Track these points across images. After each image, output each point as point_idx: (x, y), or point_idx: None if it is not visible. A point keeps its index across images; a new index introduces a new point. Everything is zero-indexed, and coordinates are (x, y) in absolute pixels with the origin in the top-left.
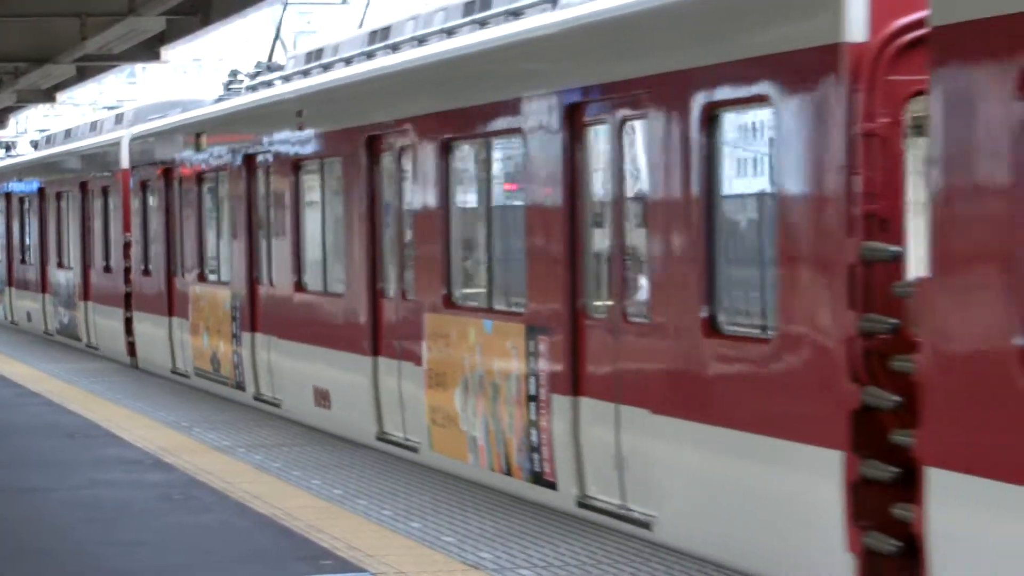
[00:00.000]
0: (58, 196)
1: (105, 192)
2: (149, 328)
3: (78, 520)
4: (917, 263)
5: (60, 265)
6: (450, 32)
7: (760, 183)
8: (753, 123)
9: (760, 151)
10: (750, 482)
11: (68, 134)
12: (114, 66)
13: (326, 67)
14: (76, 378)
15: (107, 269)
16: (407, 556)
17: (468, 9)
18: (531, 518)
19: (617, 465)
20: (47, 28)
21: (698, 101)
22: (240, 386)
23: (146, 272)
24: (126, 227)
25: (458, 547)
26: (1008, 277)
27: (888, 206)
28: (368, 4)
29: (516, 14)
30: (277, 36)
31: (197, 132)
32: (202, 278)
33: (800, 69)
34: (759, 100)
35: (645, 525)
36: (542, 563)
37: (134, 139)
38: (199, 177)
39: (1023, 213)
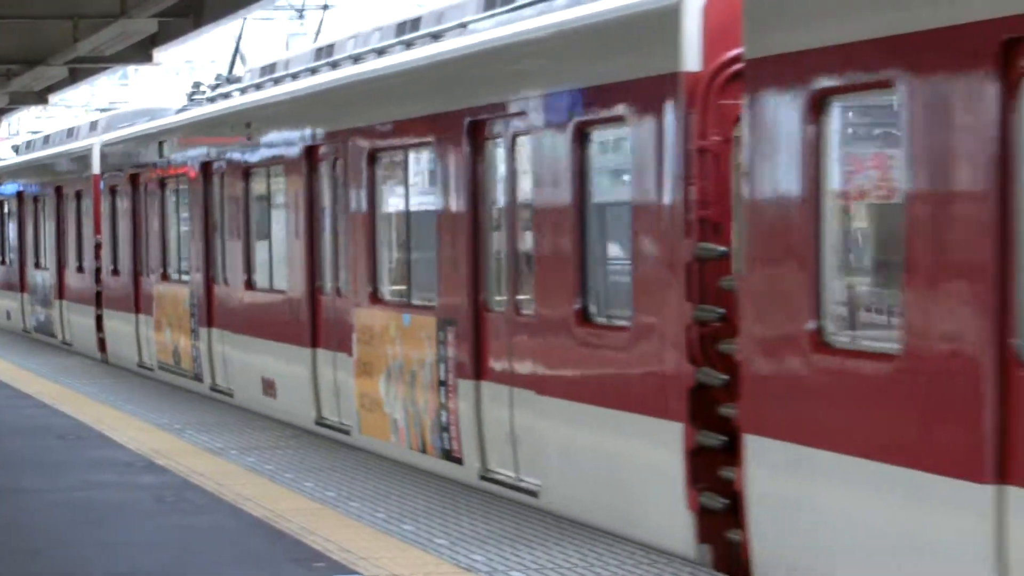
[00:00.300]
0: (35, 200)
1: (78, 196)
2: (118, 325)
3: (70, 522)
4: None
5: (37, 265)
6: (381, 52)
7: (621, 193)
8: (614, 140)
9: (620, 164)
10: (612, 452)
11: (47, 140)
12: (106, 68)
13: (276, 81)
14: (48, 372)
15: (80, 269)
16: (400, 558)
17: (400, 30)
18: (524, 521)
19: (511, 441)
20: (39, 30)
21: (573, 120)
22: (198, 378)
23: (115, 272)
24: (97, 229)
25: (450, 549)
26: (803, 273)
27: (718, 212)
28: (322, 20)
29: (437, 36)
30: (236, 50)
31: (160, 141)
32: (165, 277)
33: (647, 94)
34: (618, 120)
35: (533, 494)
36: (535, 566)
37: (104, 146)
38: (161, 183)
39: (809, 219)
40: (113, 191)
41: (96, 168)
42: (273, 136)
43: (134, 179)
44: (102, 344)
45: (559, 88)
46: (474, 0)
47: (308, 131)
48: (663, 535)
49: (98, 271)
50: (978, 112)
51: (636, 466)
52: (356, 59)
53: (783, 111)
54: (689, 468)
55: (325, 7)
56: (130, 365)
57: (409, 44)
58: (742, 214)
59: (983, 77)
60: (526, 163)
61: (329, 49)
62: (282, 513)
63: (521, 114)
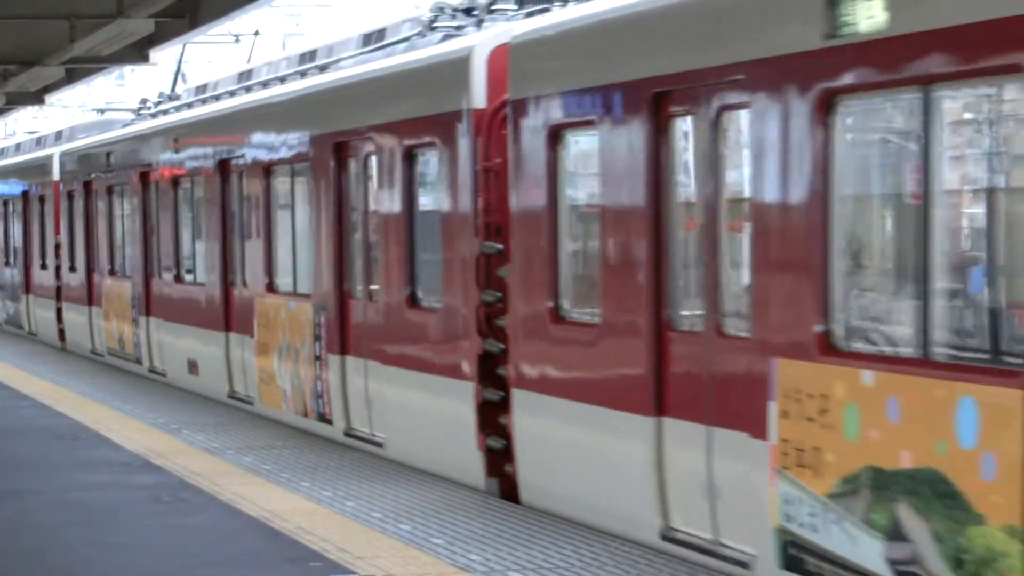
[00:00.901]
0: (4, 203)
1: (42, 200)
2: (74, 316)
3: (67, 522)
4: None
5: (7, 264)
6: (283, 79)
7: (434, 202)
8: (430, 160)
9: (434, 180)
10: (431, 410)
11: (18, 147)
12: (103, 68)
13: (204, 101)
14: (10, 357)
15: (43, 267)
16: (396, 558)
17: (303, 60)
18: (521, 522)
19: (367, 404)
20: (36, 30)
21: (403, 144)
22: (139, 361)
23: (72, 269)
24: (56, 231)
25: (447, 549)
26: (546, 265)
27: (499, 218)
28: (253, 45)
29: (323, 68)
30: (178, 70)
31: (107, 152)
32: (112, 273)
33: (449, 125)
34: (431, 144)
35: (380, 445)
36: (531, 566)
37: (62, 155)
38: (109, 189)
39: (549, 224)
40: (70, 196)
41: (56, 175)
42: (195, 150)
43: (87, 185)
44: (61, 333)
45: (395, 118)
46: (353, 39)
47: (220, 147)
48: (463, 472)
49: (58, 268)
50: (641, 144)
51: (445, 419)
52: (265, 84)
53: (532, 140)
54: (479, 418)
55: (256, 32)
56: (85, 352)
57: (303, 74)
58: (512, 220)
59: (644, 119)
60: (374, 178)
61: (248, 74)
62: (279, 513)
63: (369, 138)
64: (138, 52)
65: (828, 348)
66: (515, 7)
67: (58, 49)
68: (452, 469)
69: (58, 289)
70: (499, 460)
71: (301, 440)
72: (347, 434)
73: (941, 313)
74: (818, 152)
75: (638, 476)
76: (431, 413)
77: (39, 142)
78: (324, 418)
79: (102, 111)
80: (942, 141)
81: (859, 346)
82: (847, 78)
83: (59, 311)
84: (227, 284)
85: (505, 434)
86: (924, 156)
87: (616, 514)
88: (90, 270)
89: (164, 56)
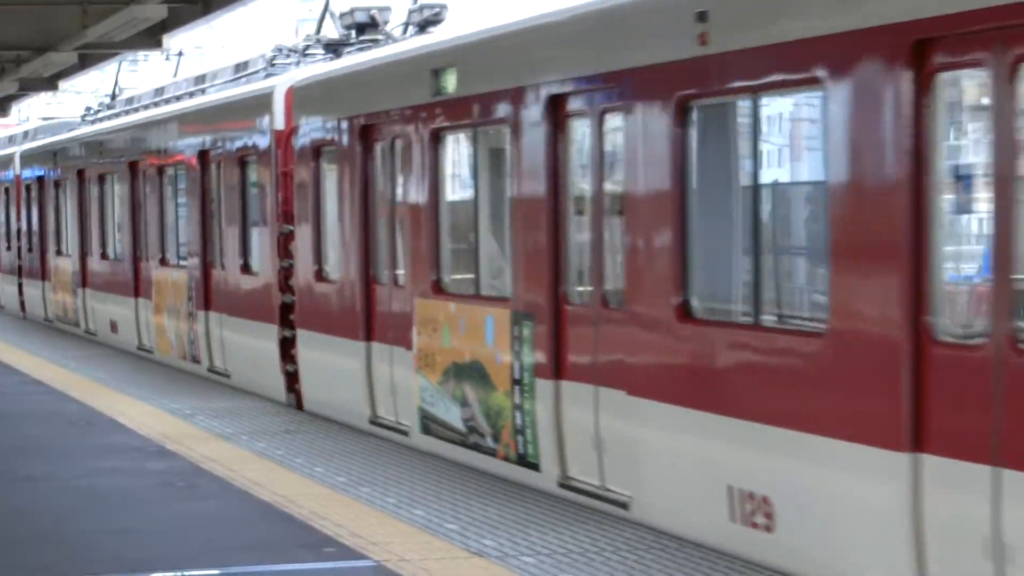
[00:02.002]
0: None
1: (7, 192)
2: (32, 290)
3: (80, 508)
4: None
5: None
6: (179, 97)
7: (255, 199)
8: (253, 168)
9: (256, 182)
10: (256, 347)
11: None
12: (116, 54)
13: (128, 112)
14: (23, 342)
15: (8, 248)
16: (410, 543)
17: (196, 81)
18: (535, 505)
19: (221, 345)
20: (49, 16)
21: (237, 155)
22: (76, 324)
23: (30, 250)
24: (18, 218)
25: (461, 534)
26: (312, 237)
27: (290, 208)
28: (179, 60)
29: (203, 91)
30: (116, 82)
31: (54, 152)
32: (59, 253)
33: (263, 139)
34: (254, 154)
35: (228, 376)
36: (545, 550)
37: (23, 154)
38: (56, 184)
39: (315, 212)
40: (28, 189)
41: (18, 170)
42: (116, 155)
43: (40, 180)
44: (23, 305)
45: (233, 135)
46: (229, 68)
47: (135, 151)
48: (274, 391)
49: (19, 250)
50: (359, 160)
51: (262, 353)
52: (167, 101)
53: (305, 154)
54: (280, 351)
55: (180, 53)
56: (40, 320)
57: (192, 94)
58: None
59: (359, 144)
60: (223, 177)
61: (161, 90)
62: (292, 498)
63: (223, 147)
64: (151, 38)
65: (438, 289)
66: (323, 52)
67: (71, 35)
68: (268, 389)
69: (19, 267)
70: (293, 380)
71: (316, 425)
72: (210, 370)
73: (484, 268)
74: (431, 168)
75: (357, 383)
76: (255, 349)
77: (11, 140)
78: (195, 359)
79: (113, 97)
80: (483, 165)
81: (451, 288)
82: (444, 122)
83: (20, 286)
84: (136, 259)
85: (295, 361)
86: (475, 176)
87: (349, 410)
88: (44, 251)
89: (177, 42)
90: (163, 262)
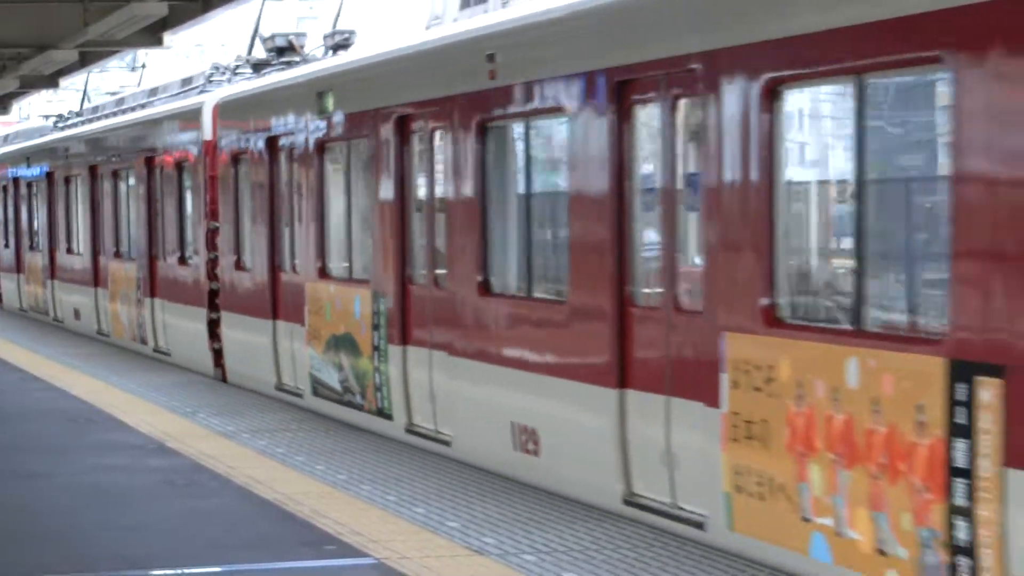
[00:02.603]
0: None
1: None
2: (8, 283)
3: (80, 505)
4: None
5: None
6: (115, 113)
7: (188, 199)
8: (187, 172)
9: (189, 182)
10: (191, 329)
11: None
12: (116, 51)
13: (89, 121)
14: (24, 340)
15: None
16: (411, 541)
17: (151, 93)
18: (536, 503)
19: (164, 328)
20: (49, 13)
21: (175, 159)
22: (46, 313)
23: (6, 246)
24: None
25: (462, 532)
26: (232, 233)
27: (215, 208)
28: (144, 68)
29: (144, 106)
30: (84, 93)
31: (27, 156)
32: (32, 247)
33: (195, 148)
34: (187, 160)
35: (168, 354)
36: (546, 549)
37: None
38: (29, 185)
39: (235, 210)
40: (5, 190)
41: None
42: (74, 161)
43: (16, 181)
44: (0, 298)
45: (174, 144)
46: (176, 83)
47: (87, 160)
48: (203, 366)
49: None
50: (267, 167)
51: (195, 333)
52: (106, 116)
53: (228, 160)
54: (208, 330)
55: (143, 66)
56: (15, 310)
57: (144, 105)
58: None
59: (267, 152)
60: (165, 179)
61: (122, 100)
62: (293, 496)
63: (168, 153)
64: (152, 36)
65: (323, 274)
66: (251, 71)
67: (72, 33)
68: (200, 365)
69: None
70: (219, 356)
71: (316, 423)
72: (155, 350)
73: (356, 257)
74: (318, 174)
75: (266, 355)
76: (189, 330)
77: None
78: (143, 340)
79: (113, 94)
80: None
81: (332, 273)
82: (326, 136)
83: None
84: (96, 254)
85: (220, 339)
86: (348, 181)
87: (260, 379)
88: (19, 246)
89: (178, 39)
90: (117, 255)
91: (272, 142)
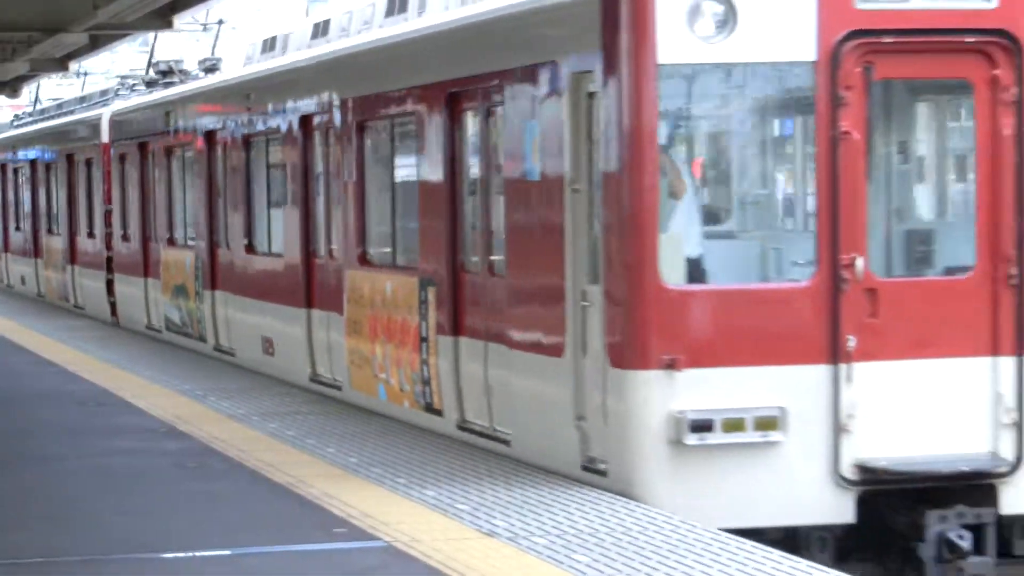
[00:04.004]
0: None
1: None
2: None
3: (92, 488)
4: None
5: None
6: (53, 116)
7: (96, 190)
8: (95, 167)
9: (94, 175)
10: (94, 286)
11: None
12: (127, 34)
13: (40, 120)
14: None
15: None
16: (421, 524)
17: (82, 100)
18: (545, 486)
19: (74, 289)
20: None
21: (85, 158)
22: (2, 281)
23: None
24: None
25: (472, 515)
26: (119, 215)
27: (110, 195)
28: (85, 77)
29: (72, 112)
30: (36, 98)
31: None
32: (18, 230)
33: (94, 153)
34: (93, 160)
35: (83, 308)
36: (556, 531)
37: None
38: None
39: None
40: None
41: None
42: (18, 155)
43: None
44: None
45: (82, 146)
46: (82, 95)
47: (31, 152)
48: (104, 315)
49: None
50: (139, 167)
51: (99, 291)
52: (49, 120)
53: (115, 159)
54: (107, 288)
55: (85, 73)
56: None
57: (50, 118)
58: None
59: (140, 156)
60: (74, 172)
61: (61, 104)
62: (304, 479)
63: (74, 152)
64: (161, 18)
65: (171, 243)
66: (144, 88)
67: (82, 16)
68: (102, 314)
69: None
70: (114, 308)
71: (327, 406)
72: (75, 306)
73: (188, 228)
74: (165, 174)
75: (141, 305)
76: (95, 288)
77: None
78: (67, 300)
79: (124, 77)
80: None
81: (178, 242)
82: (172, 144)
83: None
84: (36, 232)
85: (114, 295)
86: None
87: (137, 320)
88: None
89: (187, 23)
90: (49, 232)
91: (143, 147)
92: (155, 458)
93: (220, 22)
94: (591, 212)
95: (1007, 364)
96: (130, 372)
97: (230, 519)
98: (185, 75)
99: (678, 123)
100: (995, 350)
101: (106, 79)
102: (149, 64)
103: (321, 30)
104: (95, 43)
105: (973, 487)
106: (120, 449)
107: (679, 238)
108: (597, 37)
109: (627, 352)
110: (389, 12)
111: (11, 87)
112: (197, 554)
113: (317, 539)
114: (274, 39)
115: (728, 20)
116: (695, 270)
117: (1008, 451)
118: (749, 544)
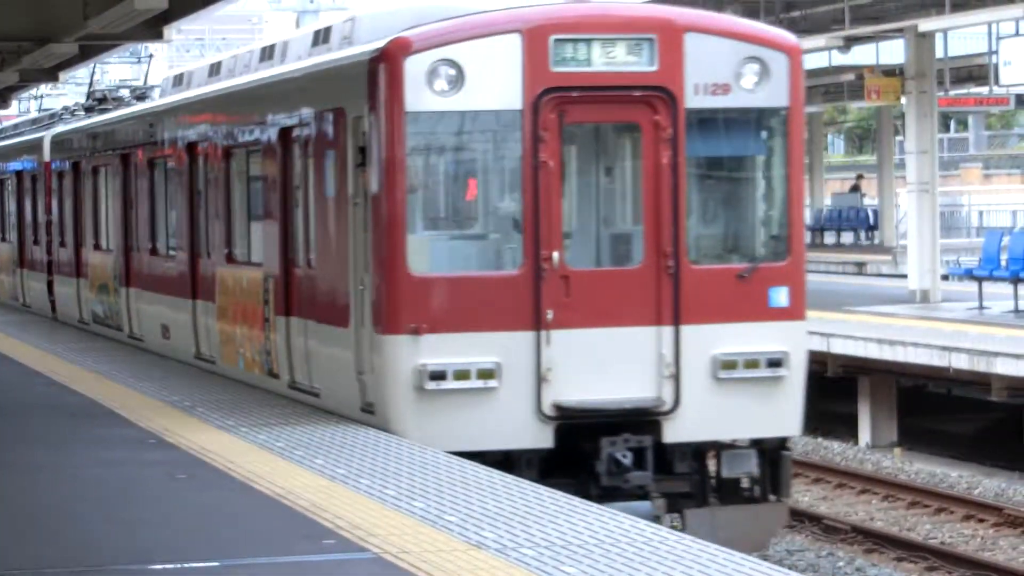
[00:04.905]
0: None
1: None
2: None
3: (81, 499)
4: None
5: None
6: (6, 136)
7: (39, 199)
8: (38, 181)
9: (38, 190)
10: (39, 288)
11: None
12: (117, 45)
13: None
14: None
15: None
16: (410, 535)
17: (34, 121)
18: (535, 498)
19: (23, 289)
20: (49, 7)
21: (31, 176)
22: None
23: None
24: None
25: (460, 527)
26: (52, 224)
27: (50, 207)
28: (41, 100)
29: (24, 132)
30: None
31: None
32: None
33: (40, 167)
34: (37, 176)
35: (30, 307)
36: (544, 542)
37: None
38: None
39: (58, 208)
40: None
41: None
42: None
43: None
44: None
45: (29, 166)
46: (31, 117)
47: None
48: (46, 312)
49: None
50: (43, 182)
51: (41, 291)
52: (7, 137)
53: (55, 178)
54: (47, 289)
55: (41, 96)
56: None
57: (6, 137)
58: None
59: (43, 175)
60: (22, 188)
61: (16, 125)
62: (292, 490)
63: (22, 173)
64: (152, 29)
65: (97, 247)
66: (83, 112)
67: (72, 26)
68: (44, 311)
69: None
70: (54, 305)
71: (315, 418)
72: (23, 305)
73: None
74: (92, 187)
75: (74, 302)
76: (38, 289)
77: None
78: (16, 299)
79: (112, 88)
80: None
81: (102, 246)
82: (97, 164)
83: None
84: (21, 242)
85: (54, 293)
86: (95, 193)
87: (71, 316)
88: None
89: (178, 34)
90: (3, 239)
91: (76, 165)
92: (145, 469)
93: (151, 56)
94: (365, 220)
95: (667, 332)
96: (118, 383)
97: (219, 530)
98: (119, 102)
99: (422, 155)
100: (658, 321)
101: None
102: (89, 93)
103: (215, 70)
104: (85, 54)
105: (644, 422)
106: (109, 460)
107: (423, 240)
108: (366, 91)
109: (385, 322)
110: (262, 59)
111: (1, 97)
112: (186, 565)
113: (306, 551)
114: (182, 75)
115: (458, 80)
116: (434, 262)
117: (668, 396)
118: (750, 562)
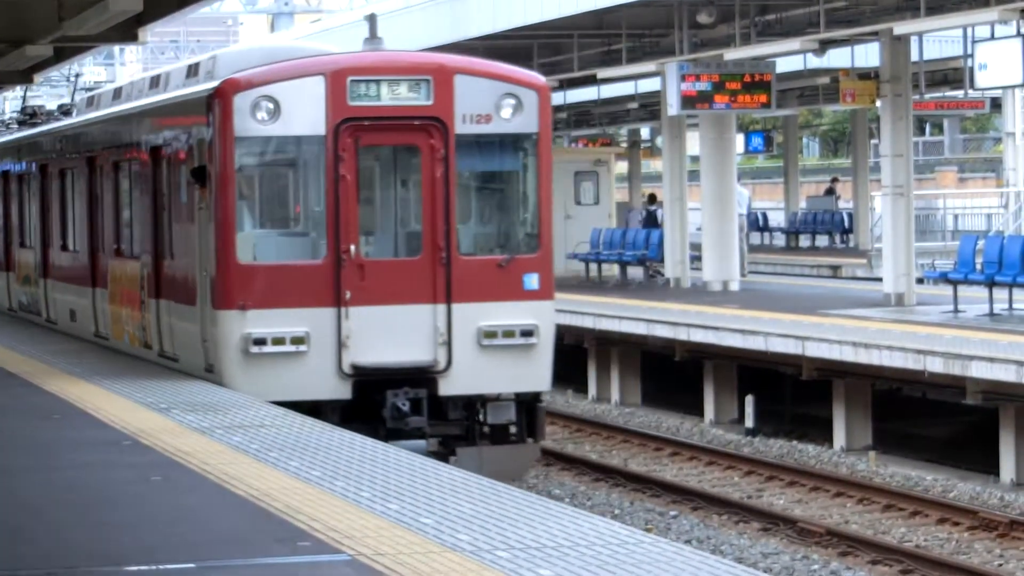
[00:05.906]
0: None
1: None
2: None
3: (55, 502)
4: None
5: None
6: None
7: None
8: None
9: None
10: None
11: None
12: (92, 47)
13: None
14: None
15: None
16: (385, 537)
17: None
18: (509, 501)
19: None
20: (24, 9)
21: None
22: None
23: None
24: None
25: (435, 529)
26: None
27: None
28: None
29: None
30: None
31: None
32: None
33: None
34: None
35: (13, 310)
36: (519, 545)
37: None
38: None
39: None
40: None
41: None
42: None
43: None
44: None
45: None
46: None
47: None
48: (4, 308)
49: None
50: (38, 186)
51: (2, 289)
52: None
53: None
54: (10, 285)
55: (28, 93)
56: None
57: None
58: None
59: (40, 175)
60: None
61: None
62: (267, 492)
63: None
64: (126, 31)
65: (22, 244)
66: (16, 125)
67: (47, 28)
68: (12, 305)
69: None
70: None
71: (290, 420)
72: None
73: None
74: (18, 195)
75: (4, 294)
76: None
77: None
78: None
79: (88, 90)
80: None
81: (26, 243)
82: (28, 173)
83: None
84: None
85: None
86: (29, 197)
87: (2, 305)
88: None
89: (153, 35)
90: None
91: (5, 174)
92: (119, 471)
93: (78, 75)
94: (208, 221)
95: (441, 309)
96: (93, 384)
97: (194, 533)
98: (48, 116)
99: (248, 170)
100: (434, 300)
101: (69, 91)
102: (22, 108)
103: (117, 95)
104: (60, 56)
105: (423, 378)
106: (84, 462)
107: (248, 236)
108: (207, 119)
109: (219, 300)
110: (151, 86)
111: None
112: (161, 567)
113: (281, 553)
114: (93, 97)
115: (276, 111)
116: (258, 254)
117: (442, 359)
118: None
